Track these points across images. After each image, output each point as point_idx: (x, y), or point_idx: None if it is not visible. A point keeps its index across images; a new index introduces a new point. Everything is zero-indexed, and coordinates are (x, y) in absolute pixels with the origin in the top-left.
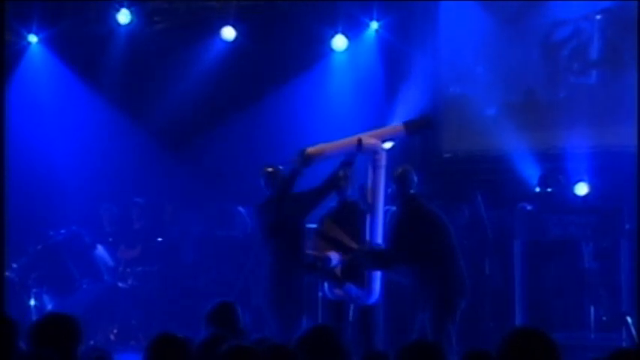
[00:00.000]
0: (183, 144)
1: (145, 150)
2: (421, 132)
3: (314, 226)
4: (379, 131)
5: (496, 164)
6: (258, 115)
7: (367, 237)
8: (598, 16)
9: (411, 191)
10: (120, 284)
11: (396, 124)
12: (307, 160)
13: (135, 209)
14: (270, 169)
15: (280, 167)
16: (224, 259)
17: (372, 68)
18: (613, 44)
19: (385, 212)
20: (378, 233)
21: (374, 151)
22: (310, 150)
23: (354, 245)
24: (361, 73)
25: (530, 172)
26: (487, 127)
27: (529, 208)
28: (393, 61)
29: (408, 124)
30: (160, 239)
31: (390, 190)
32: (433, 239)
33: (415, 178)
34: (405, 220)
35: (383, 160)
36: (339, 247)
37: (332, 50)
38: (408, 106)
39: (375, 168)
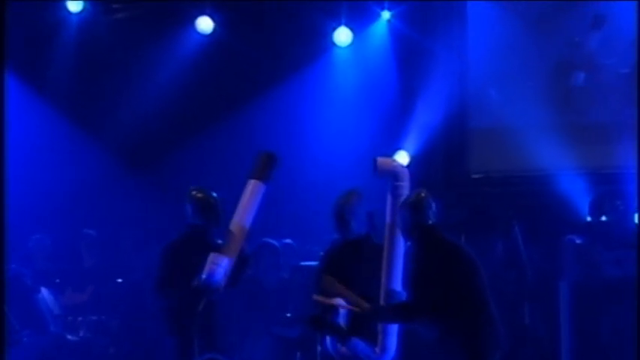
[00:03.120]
0: (149, 161)
1: (100, 169)
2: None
3: (314, 263)
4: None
5: (537, 187)
6: (240, 125)
7: (384, 280)
8: None
9: (429, 222)
10: (69, 337)
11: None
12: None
13: (85, 243)
14: (200, 195)
15: (214, 194)
16: None
17: (382, 67)
18: None
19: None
20: (397, 278)
21: (394, 175)
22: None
23: (362, 303)
24: (369, 73)
25: (580, 197)
26: (526, 141)
27: (578, 241)
28: (409, 59)
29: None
30: (119, 280)
31: (400, 221)
32: (459, 281)
33: (434, 206)
34: (422, 259)
35: (406, 188)
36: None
37: (334, 45)
38: (429, 114)
39: (396, 197)
